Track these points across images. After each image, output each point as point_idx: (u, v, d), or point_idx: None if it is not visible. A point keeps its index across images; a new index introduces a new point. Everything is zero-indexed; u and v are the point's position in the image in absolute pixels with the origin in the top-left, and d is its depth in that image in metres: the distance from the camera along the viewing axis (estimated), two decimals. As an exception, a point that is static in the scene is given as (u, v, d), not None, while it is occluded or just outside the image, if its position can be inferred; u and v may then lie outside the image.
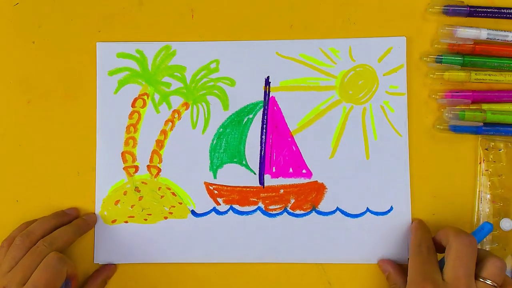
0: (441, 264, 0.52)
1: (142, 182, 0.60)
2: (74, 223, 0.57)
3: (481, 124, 0.58)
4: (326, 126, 0.60)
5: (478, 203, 0.59)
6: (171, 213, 0.60)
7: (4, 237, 0.56)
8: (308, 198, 0.60)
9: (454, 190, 0.60)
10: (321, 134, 0.60)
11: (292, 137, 0.60)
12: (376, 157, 0.60)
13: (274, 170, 0.60)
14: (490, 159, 0.59)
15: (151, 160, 0.60)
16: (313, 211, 0.60)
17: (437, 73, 0.59)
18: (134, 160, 0.60)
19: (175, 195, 0.60)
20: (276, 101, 0.60)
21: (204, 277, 0.60)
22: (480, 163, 0.59)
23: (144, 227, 0.60)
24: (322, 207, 0.60)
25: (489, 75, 0.59)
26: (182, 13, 0.61)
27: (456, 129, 0.59)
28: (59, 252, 0.54)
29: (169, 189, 0.60)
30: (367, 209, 0.59)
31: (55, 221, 0.57)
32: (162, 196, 0.60)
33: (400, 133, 0.60)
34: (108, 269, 0.59)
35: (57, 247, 0.54)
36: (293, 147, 0.60)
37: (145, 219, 0.60)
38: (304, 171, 0.60)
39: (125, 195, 0.60)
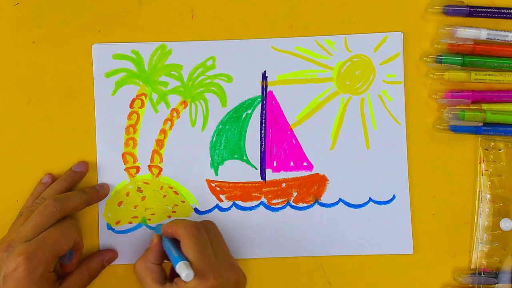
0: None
1: (144, 182, 0.60)
2: (87, 191, 0.58)
3: (481, 124, 0.58)
4: (325, 118, 0.60)
5: (478, 203, 0.59)
6: (174, 212, 0.60)
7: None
8: (310, 190, 0.60)
9: (454, 190, 0.60)
10: (320, 126, 0.60)
11: (291, 131, 0.60)
12: (376, 147, 0.60)
13: (275, 164, 0.60)
14: (490, 159, 0.59)
15: (152, 160, 0.60)
16: (316, 204, 0.60)
17: (437, 73, 0.59)
18: (135, 160, 0.60)
19: (178, 194, 0.60)
20: (274, 95, 0.60)
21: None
22: (480, 163, 0.60)
23: (148, 227, 0.60)
24: (324, 199, 0.60)
25: (489, 75, 0.59)
26: (182, 13, 0.61)
27: (456, 129, 0.59)
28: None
29: (171, 188, 0.60)
30: (370, 199, 0.60)
31: (66, 183, 0.58)
32: (164, 196, 0.60)
33: (399, 121, 0.60)
34: (108, 252, 0.59)
35: (66, 209, 0.55)
36: (293, 140, 0.60)
37: (149, 219, 0.60)
38: (305, 163, 0.60)
39: (127, 196, 0.60)
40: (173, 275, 0.52)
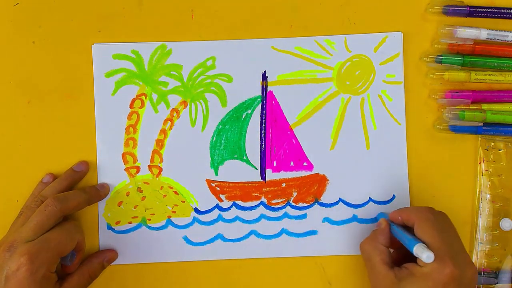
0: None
1: (144, 182, 0.60)
2: (88, 191, 0.58)
3: (481, 124, 0.58)
4: (325, 118, 0.60)
5: (478, 203, 0.59)
6: (174, 212, 0.60)
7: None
8: (310, 190, 0.60)
9: (454, 190, 0.60)
10: (320, 126, 0.60)
11: (291, 131, 0.60)
12: (376, 147, 0.60)
13: (275, 164, 0.60)
14: (490, 159, 0.59)
15: (152, 160, 0.60)
16: (316, 203, 0.60)
17: (437, 73, 0.59)
18: (135, 160, 0.60)
19: (178, 194, 0.60)
20: (274, 95, 0.60)
21: (207, 274, 0.60)
22: (480, 163, 0.60)
23: (148, 227, 0.60)
24: (324, 199, 0.60)
25: (489, 75, 0.59)
26: (182, 13, 0.61)
27: (456, 129, 0.59)
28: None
29: (171, 188, 0.60)
30: (370, 199, 0.60)
31: (66, 182, 0.58)
32: (164, 196, 0.60)
33: (399, 121, 0.60)
34: (108, 252, 0.59)
35: (67, 209, 0.55)
36: (293, 141, 0.60)
37: (149, 219, 0.60)
38: (305, 163, 0.60)
39: (127, 196, 0.60)
40: (397, 262, 0.52)
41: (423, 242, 0.49)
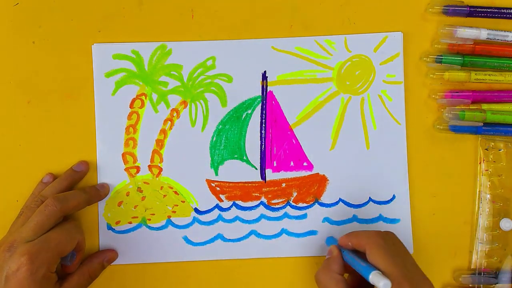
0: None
1: (144, 182, 0.60)
2: (88, 191, 0.58)
3: (481, 124, 0.58)
4: (325, 118, 0.60)
5: (478, 203, 0.59)
6: (174, 212, 0.60)
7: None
8: (310, 190, 0.60)
9: (454, 190, 0.60)
10: (320, 126, 0.60)
11: (291, 131, 0.60)
12: (376, 147, 0.60)
13: (275, 164, 0.60)
14: (490, 159, 0.59)
15: (152, 160, 0.60)
16: (316, 204, 0.60)
17: (437, 73, 0.59)
18: (135, 160, 0.60)
19: (178, 194, 0.60)
20: (274, 95, 0.60)
21: (207, 274, 0.60)
22: (480, 163, 0.60)
23: (148, 227, 0.60)
24: (324, 199, 0.60)
25: (489, 75, 0.59)
26: (182, 14, 0.61)
27: (456, 129, 0.59)
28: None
29: (171, 188, 0.60)
30: (370, 199, 0.60)
31: (66, 182, 0.58)
32: (164, 196, 0.60)
33: (399, 122, 0.60)
34: (108, 252, 0.59)
35: (67, 209, 0.55)
36: (293, 141, 0.60)
37: (149, 219, 0.60)
38: (305, 164, 0.60)
39: (127, 196, 0.60)
40: (354, 286, 0.52)
41: (377, 268, 0.49)
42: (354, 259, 0.51)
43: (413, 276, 0.49)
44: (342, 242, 0.54)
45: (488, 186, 0.59)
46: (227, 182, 0.60)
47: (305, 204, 0.60)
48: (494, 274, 0.59)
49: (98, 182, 0.60)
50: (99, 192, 0.59)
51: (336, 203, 0.60)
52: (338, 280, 0.51)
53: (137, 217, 0.60)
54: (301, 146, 0.60)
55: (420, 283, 0.49)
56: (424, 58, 0.60)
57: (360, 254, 0.52)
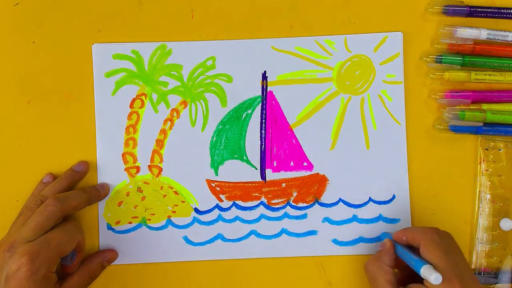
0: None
1: (144, 182, 0.60)
2: (88, 191, 0.58)
3: (481, 124, 0.58)
4: (325, 118, 0.60)
5: (478, 203, 0.59)
6: (174, 212, 0.60)
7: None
8: (311, 190, 0.60)
9: (454, 190, 0.60)
10: (320, 126, 0.60)
11: (291, 131, 0.60)
12: (376, 147, 0.60)
13: (275, 164, 0.60)
14: (490, 159, 0.59)
15: (152, 160, 0.60)
16: (316, 204, 0.60)
17: (437, 73, 0.59)
18: (135, 160, 0.60)
19: (178, 194, 0.60)
20: (274, 95, 0.60)
21: (207, 274, 0.60)
22: (480, 163, 0.60)
23: (148, 227, 0.60)
24: (324, 199, 0.60)
25: (489, 75, 0.59)
26: (182, 14, 0.61)
27: (456, 129, 0.59)
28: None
29: (171, 188, 0.60)
30: (370, 199, 0.60)
31: (66, 182, 0.58)
32: (164, 196, 0.60)
33: (399, 121, 0.60)
34: (108, 252, 0.59)
35: (67, 209, 0.55)
36: (293, 141, 0.60)
37: (149, 219, 0.60)
38: (305, 163, 0.60)
39: (128, 196, 0.60)
40: (402, 282, 0.52)
41: (429, 263, 0.49)
42: (406, 253, 0.52)
43: (464, 275, 0.49)
44: (397, 237, 0.54)
45: (488, 186, 0.59)
46: (227, 182, 0.60)
47: (305, 204, 0.60)
48: (494, 274, 0.59)
49: (98, 182, 0.60)
50: (99, 192, 0.59)
51: (336, 203, 0.60)
52: (386, 271, 0.52)
53: (137, 217, 0.60)
54: (301, 146, 0.60)
55: (471, 283, 0.49)
56: (424, 58, 0.60)
57: (414, 250, 0.52)
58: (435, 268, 0.49)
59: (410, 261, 0.51)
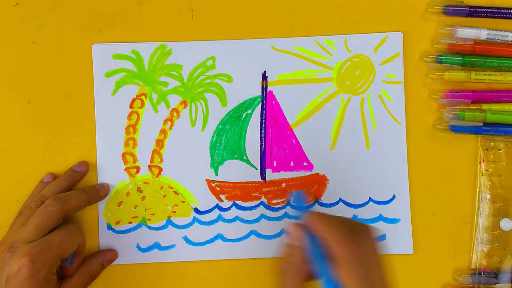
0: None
1: (144, 182, 0.60)
2: (88, 191, 0.58)
3: (481, 124, 0.58)
4: (325, 118, 0.60)
5: (478, 203, 0.59)
6: (174, 212, 0.60)
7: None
8: (310, 190, 0.60)
9: (454, 190, 0.60)
10: (320, 126, 0.60)
11: (291, 131, 0.60)
12: (376, 147, 0.60)
13: (275, 164, 0.60)
14: (490, 159, 0.59)
15: (152, 160, 0.60)
16: (316, 203, 0.60)
17: (437, 73, 0.59)
18: (135, 160, 0.60)
19: (178, 194, 0.60)
20: (274, 95, 0.60)
21: (207, 274, 0.60)
22: (480, 163, 0.60)
23: (148, 227, 0.60)
24: (324, 199, 0.60)
25: (489, 75, 0.59)
26: (182, 13, 0.61)
27: (456, 129, 0.59)
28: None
29: (171, 188, 0.60)
30: (370, 199, 0.60)
31: (66, 182, 0.58)
32: (164, 196, 0.60)
33: (399, 122, 0.60)
34: (108, 253, 0.59)
35: (67, 209, 0.54)
36: (293, 141, 0.60)
37: (149, 219, 0.60)
38: (305, 164, 0.60)
39: (127, 196, 0.60)
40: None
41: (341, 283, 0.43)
42: (316, 254, 0.45)
43: None
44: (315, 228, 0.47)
45: (488, 186, 0.59)
46: (227, 182, 0.60)
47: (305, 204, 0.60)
48: (494, 274, 0.59)
49: (98, 182, 0.60)
50: (99, 192, 0.59)
51: (336, 203, 0.60)
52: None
53: (137, 217, 0.60)
54: (301, 146, 0.60)
55: None
56: (424, 58, 0.60)
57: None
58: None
59: (317, 267, 0.45)
